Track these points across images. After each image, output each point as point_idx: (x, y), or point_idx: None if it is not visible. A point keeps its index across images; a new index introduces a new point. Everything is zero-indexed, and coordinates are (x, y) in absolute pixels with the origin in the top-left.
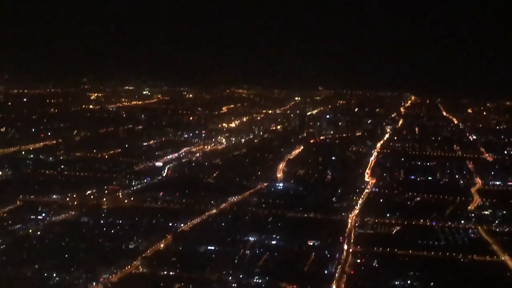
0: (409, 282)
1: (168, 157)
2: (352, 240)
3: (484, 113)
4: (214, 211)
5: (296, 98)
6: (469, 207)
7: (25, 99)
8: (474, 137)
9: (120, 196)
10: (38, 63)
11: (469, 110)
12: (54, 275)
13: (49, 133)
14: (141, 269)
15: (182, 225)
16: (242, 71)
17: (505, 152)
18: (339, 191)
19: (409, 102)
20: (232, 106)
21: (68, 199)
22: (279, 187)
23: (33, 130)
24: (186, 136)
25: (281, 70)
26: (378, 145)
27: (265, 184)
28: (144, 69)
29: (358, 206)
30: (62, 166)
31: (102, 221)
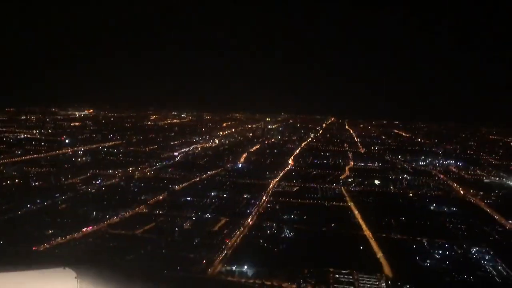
0: (292, 216)
1: (182, 150)
2: (269, 194)
3: (369, 127)
4: (197, 179)
5: (267, 119)
6: (341, 177)
7: (112, 119)
8: (358, 139)
9: (146, 171)
10: (128, 100)
11: (361, 125)
12: None
13: (118, 137)
14: (144, 209)
15: (176, 187)
16: (240, 103)
17: (372, 148)
18: (272, 168)
19: (329, 121)
20: (229, 123)
21: (116, 172)
22: (239, 166)
23: (110, 136)
24: (197, 139)
25: (262, 103)
26: (303, 144)
27: (231, 164)
28: (185, 103)
29: (279, 176)
30: (120, 155)
31: (132, 184)
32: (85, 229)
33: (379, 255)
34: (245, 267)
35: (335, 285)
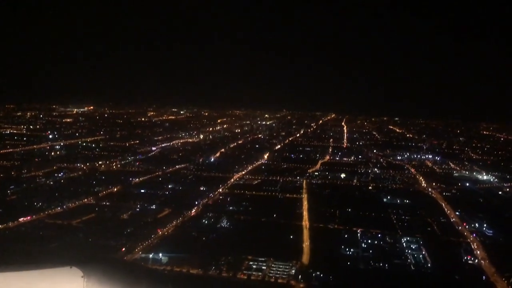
0: (238, 208)
1: (162, 145)
2: (226, 187)
3: (365, 123)
4: (160, 172)
5: (265, 115)
6: (309, 171)
7: (106, 115)
8: (347, 135)
9: (114, 165)
10: (133, 97)
11: (358, 122)
12: None
13: (102, 132)
14: (91, 201)
15: (135, 180)
16: (244, 100)
17: (357, 143)
18: (243, 162)
19: (328, 117)
20: (224, 119)
21: (83, 166)
22: (210, 160)
23: (96, 131)
24: (182, 134)
25: (265, 100)
26: (288, 139)
27: (203, 158)
28: (189, 100)
29: (246, 170)
30: (96, 149)
31: (93, 177)
32: (22, 219)
33: (306, 244)
34: (160, 254)
35: (244, 271)
